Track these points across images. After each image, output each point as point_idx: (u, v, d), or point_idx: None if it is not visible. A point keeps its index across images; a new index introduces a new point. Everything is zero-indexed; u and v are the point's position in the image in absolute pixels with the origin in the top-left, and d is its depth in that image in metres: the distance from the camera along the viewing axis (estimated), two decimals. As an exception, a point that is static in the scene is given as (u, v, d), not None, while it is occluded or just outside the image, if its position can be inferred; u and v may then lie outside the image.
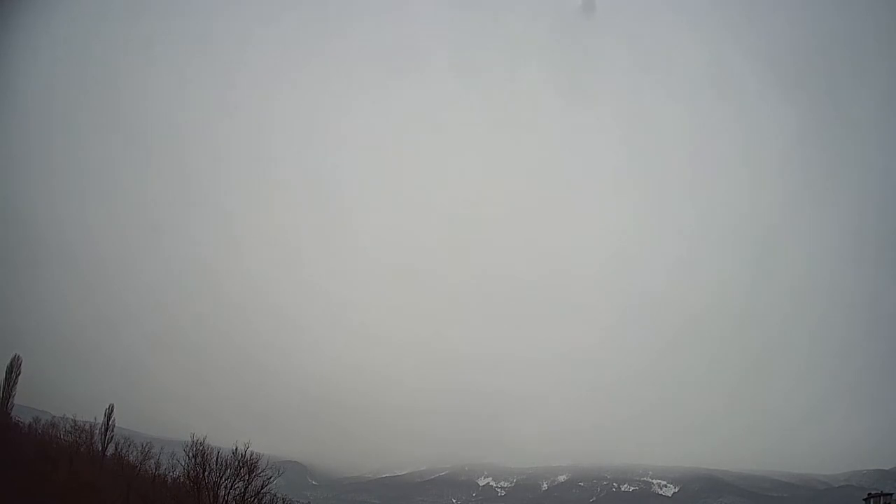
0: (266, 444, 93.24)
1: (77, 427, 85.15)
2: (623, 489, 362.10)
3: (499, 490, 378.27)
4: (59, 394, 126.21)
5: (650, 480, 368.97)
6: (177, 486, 75.37)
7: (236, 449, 72.51)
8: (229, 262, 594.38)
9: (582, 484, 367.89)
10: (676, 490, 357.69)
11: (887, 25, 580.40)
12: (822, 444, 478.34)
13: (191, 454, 71.33)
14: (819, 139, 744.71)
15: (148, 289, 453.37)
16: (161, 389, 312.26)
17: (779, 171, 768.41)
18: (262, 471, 73.84)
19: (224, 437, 76.00)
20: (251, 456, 72.77)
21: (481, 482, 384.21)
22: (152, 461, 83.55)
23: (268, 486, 75.46)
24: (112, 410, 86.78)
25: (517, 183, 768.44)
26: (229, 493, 72.22)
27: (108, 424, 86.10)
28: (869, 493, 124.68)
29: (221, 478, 71.64)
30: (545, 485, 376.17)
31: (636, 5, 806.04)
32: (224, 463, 72.01)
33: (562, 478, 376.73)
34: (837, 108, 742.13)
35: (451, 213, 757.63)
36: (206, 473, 70.89)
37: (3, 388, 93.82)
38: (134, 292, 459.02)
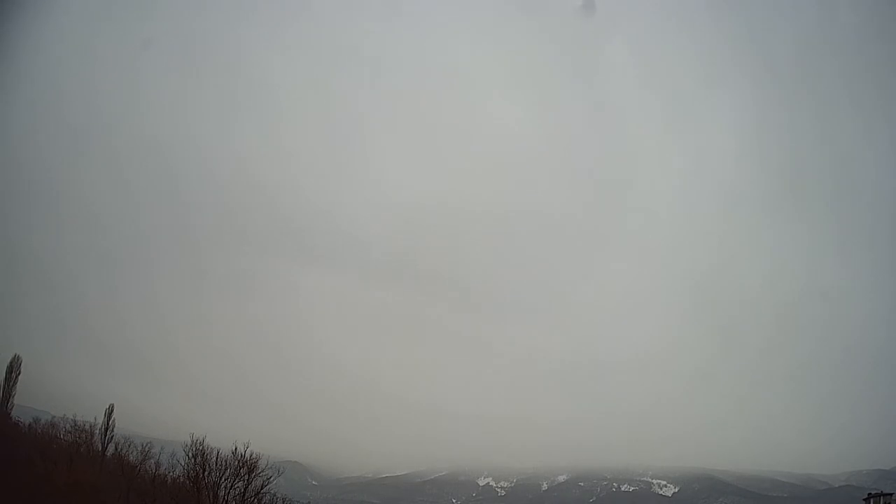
0: (266, 444, 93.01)
1: (77, 427, 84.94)
2: (623, 489, 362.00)
3: (499, 490, 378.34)
4: (59, 394, 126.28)
5: (650, 480, 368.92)
6: (177, 486, 75.15)
7: (236, 449, 72.30)
8: (228, 262, 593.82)
9: (582, 484, 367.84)
10: (676, 490, 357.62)
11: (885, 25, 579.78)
12: (822, 444, 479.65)
13: (191, 454, 71.23)
14: (821, 137, 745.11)
15: (148, 289, 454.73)
16: (161, 389, 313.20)
17: (777, 171, 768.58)
18: (262, 471, 73.58)
19: (224, 437, 75.97)
20: (251, 456, 72.58)
21: (481, 482, 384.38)
22: (152, 461, 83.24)
23: (268, 486, 75.23)
24: (112, 410, 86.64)
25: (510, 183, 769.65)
26: (229, 493, 72.04)
27: (108, 424, 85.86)
28: (869, 493, 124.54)
29: (221, 478, 71.45)
30: (545, 485, 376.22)
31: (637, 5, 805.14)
32: (224, 463, 71.79)
33: (562, 478, 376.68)
34: (837, 106, 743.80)
35: (459, 214, 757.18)
36: (206, 473, 70.72)
37: (3, 388, 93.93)
38: (134, 293, 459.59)
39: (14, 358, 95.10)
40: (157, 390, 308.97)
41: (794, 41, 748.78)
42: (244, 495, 72.46)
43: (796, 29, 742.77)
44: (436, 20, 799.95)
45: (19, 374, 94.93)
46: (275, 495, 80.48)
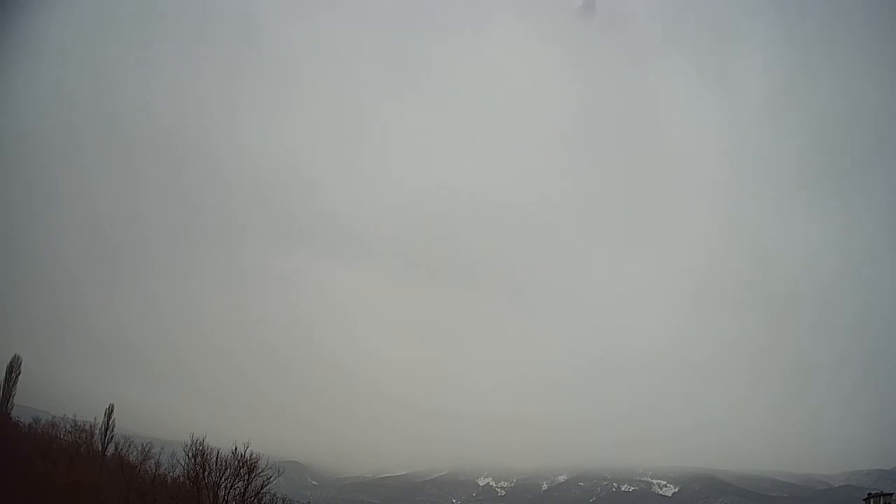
0: (266, 444, 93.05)
1: (77, 427, 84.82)
2: (623, 489, 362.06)
3: (499, 490, 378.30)
4: (59, 394, 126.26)
5: (650, 480, 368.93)
6: (177, 486, 75.15)
7: (236, 449, 72.35)
8: (228, 262, 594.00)
9: (582, 484, 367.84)
10: (676, 490, 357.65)
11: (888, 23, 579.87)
12: (822, 444, 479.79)
13: (191, 454, 71.25)
14: (825, 138, 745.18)
15: (148, 289, 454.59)
16: (161, 389, 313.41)
17: (778, 172, 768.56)
18: (262, 471, 73.61)
19: (224, 437, 76.05)
20: (251, 456, 72.59)
21: (481, 482, 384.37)
22: (152, 461, 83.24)
23: (268, 486, 75.24)
24: (112, 410, 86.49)
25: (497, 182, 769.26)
26: (229, 493, 72.05)
27: (108, 424, 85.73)
28: (869, 493, 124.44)
29: (221, 478, 71.46)
30: (545, 485, 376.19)
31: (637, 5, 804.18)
32: (224, 463, 71.79)
33: (562, 478, 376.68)
34: (841, 105, 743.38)
35: (460, 216, 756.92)
36: (206, 473, 70.71)
37: (3, 388, 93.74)
38: (134, 293, 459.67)
39: (14, 358, 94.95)
40: (157, 390, 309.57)
41: (802, 38, 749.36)
42: (244, 495, 72.45)
43: (802, 26, 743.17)
44: (439, 20, 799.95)
45: (19, 374, 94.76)
46: (275, 495, 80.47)
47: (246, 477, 72.20)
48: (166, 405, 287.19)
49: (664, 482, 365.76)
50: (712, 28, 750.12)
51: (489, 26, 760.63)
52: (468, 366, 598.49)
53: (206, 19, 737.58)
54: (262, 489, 74.03)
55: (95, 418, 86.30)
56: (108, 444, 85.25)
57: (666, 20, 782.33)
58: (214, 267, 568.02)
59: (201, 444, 71.59)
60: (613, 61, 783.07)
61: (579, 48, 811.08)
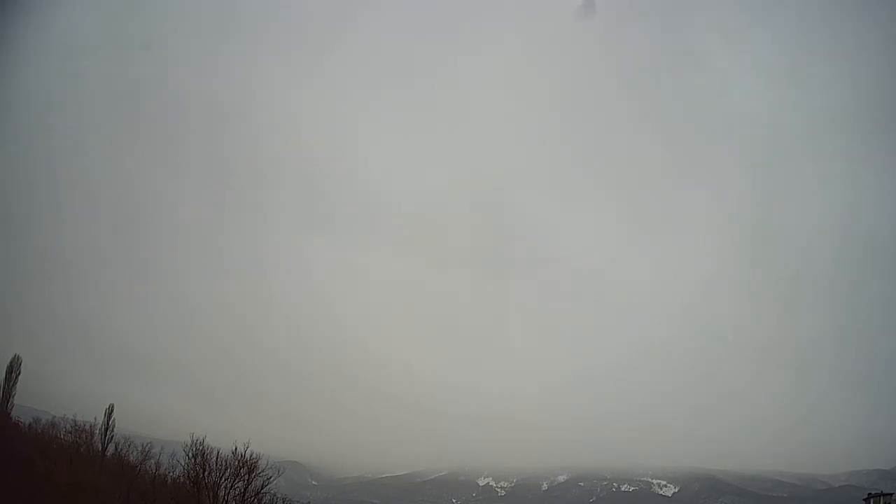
0: (266, 444, 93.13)
1: (77, 427, 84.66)
2: (623, 489, 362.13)
3: (499, 490, 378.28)
4: (59, 394, 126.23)
5: (650, 480, 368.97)
6: (177, 486, 75.17)
7: (236, 449, 72.45)
8: (229, 264, 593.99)
9: (582, 484, 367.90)
10: (676, 490, 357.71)
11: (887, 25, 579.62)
12: (822, 444, 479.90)
13: (191, 454, 71.26)
14: (825, 137, 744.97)
15: (149, 290, 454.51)
16: (161, 389, 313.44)
17: (778, 168, 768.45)
18: (262, 471, 73.71)
19: (224, 437, 76.09)
20: (251, 456, 72.69)
21: (481, 482, 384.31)
22: (152, 461, 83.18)
23: (268, 486, 75.32)
24: (112, 410, 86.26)
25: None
26: (229, 493, 72.09)
27: (108, 424, 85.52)
28: (869, 493, 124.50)
29: (221, 478, 71.54)
30: (545, 485, 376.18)
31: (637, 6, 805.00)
32: (224, 463, 71.89)
33: (562, 478, 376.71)
34: (836, 106, 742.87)
35: (460, 218, 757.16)
36: (206, 473, 70.78)
37: (3, 388, 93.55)
38: (134, 294, 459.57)
39: (14, 358, 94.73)
40: (157, 390, 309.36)
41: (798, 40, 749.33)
42: (244, 495, 72.50)
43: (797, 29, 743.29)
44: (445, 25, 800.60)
45: (19, 374, 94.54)
46: (275, 495, 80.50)
47: (246, 477, 72.28)
48: (166, 405, 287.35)
49: (664, 482, 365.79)
50: (717, 30, 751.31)
51: (490, 26, 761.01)
52: (468, 366, 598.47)
53: (218, 21, 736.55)
54: (262, 489, 74.11)
55: (95, 418, 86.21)
56: (108, 444, 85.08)
57: (664, 18, 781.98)
58: (215, 267, 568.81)
59: (201, 444, 71.76)
60: (615, 60, 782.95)
61: (585, 45, 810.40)
